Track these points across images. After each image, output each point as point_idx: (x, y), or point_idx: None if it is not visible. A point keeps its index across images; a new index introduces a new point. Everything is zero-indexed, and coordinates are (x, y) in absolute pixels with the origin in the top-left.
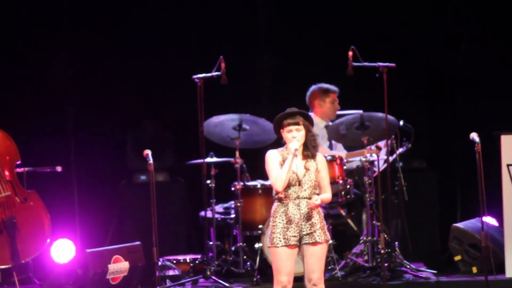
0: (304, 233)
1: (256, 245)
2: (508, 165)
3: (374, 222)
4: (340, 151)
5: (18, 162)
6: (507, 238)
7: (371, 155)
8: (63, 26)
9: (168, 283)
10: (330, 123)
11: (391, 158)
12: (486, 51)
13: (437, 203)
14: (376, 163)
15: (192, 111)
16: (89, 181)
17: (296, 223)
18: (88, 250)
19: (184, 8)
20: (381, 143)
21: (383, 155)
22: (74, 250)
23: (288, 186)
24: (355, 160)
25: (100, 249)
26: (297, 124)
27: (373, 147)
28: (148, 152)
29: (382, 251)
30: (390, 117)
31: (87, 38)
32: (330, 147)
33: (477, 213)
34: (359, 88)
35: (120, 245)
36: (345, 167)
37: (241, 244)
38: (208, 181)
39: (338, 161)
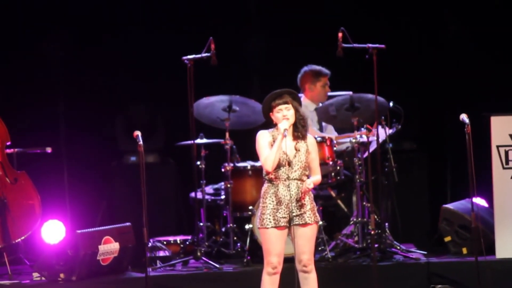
0: (294, 214)
1: (246, 226)
2: (497, 146)
3: (364, 203)
4: (330, 132)
5: (8, 143)
6: (497, 219)
7: (361, 137)
8: (55, 9)
9: (159, 264)
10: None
11: (381, 140)
12: (475, 31)
13: (427, 184)
14: (366, 144)
15: (182, 93)
16: (79, 162)
17: (286, 204)
18: (79, 231)
19: None
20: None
21: (373, 136)
22: (64, 231)
23: (278, 166)
24: (345, 142)
25: (90, 230)
26: (286, 103)
27: (363, 129)
28: (138, 133)
29: (372, 232)
30: (380, 99)
31: (77, 21)
32: (321, 129)
33: (467, 194)
34: (349, 70)
35: (111, 226)
36: (335, 149)
37: (231, 225)
38: (198, 162)
39: (328, 143)
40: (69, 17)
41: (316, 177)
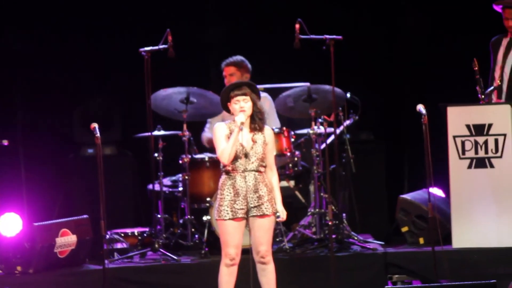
0: (252, 205)
1: (204, 218)
2: (454, 137)
3: (321, 194)
4: (273, 121)
5: None
6: (453, 209)
7: (318, 127)
8: (10, 4)
9: (116, 256)
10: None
11: (338, 130)
12: (432, 23)
13: (384, 175)
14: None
15: (139, 85)
16: (36, 155)
17: (244, 195)
18: (36, 224)
19: None
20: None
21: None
22: (21, 224)
23: (235, 158)
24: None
25: (47, 222)
26: (244, 94)
27: (320, 120)
28: (95, 125)
29: (329, 223)
30: (337, 90)
31: (33, 11)
32: None
33: (424, 185)
34: (307, 61)
35: (68, 219)
36: (292, 140)
37: (189, 217)
38: (156, 154)
39: (286, 134)
40: (25, 12)
41: (278, 188)
